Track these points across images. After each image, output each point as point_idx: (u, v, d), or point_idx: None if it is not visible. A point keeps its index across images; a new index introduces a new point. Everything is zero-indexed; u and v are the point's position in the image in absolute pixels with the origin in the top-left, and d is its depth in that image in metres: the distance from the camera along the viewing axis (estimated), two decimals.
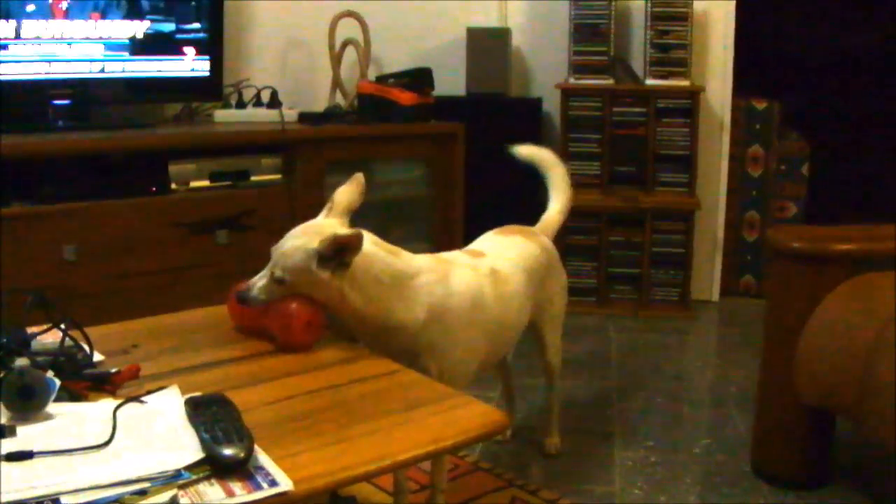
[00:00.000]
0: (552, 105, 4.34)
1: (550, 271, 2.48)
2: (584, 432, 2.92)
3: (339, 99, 4.03)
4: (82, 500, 1.12)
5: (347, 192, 1.96)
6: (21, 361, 1.44)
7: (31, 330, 1.63)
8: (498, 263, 2.20)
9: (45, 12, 3.17)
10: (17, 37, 3.13)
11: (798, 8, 5.03)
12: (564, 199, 2.67)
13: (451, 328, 1.98)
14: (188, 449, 1.24)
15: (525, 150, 2.66)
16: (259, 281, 1.82)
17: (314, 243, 1.78)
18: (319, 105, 4.00)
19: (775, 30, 4.99)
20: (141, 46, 3.39)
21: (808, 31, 5.02)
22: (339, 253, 1.78)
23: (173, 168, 3.16)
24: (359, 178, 1.99)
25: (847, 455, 2.69)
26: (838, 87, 5.00)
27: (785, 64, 4.94)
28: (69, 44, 3.24)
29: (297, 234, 1.85)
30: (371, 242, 1.87)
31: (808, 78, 4.97)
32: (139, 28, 3.38)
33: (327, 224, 1.88)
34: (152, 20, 3.40)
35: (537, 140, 4.14)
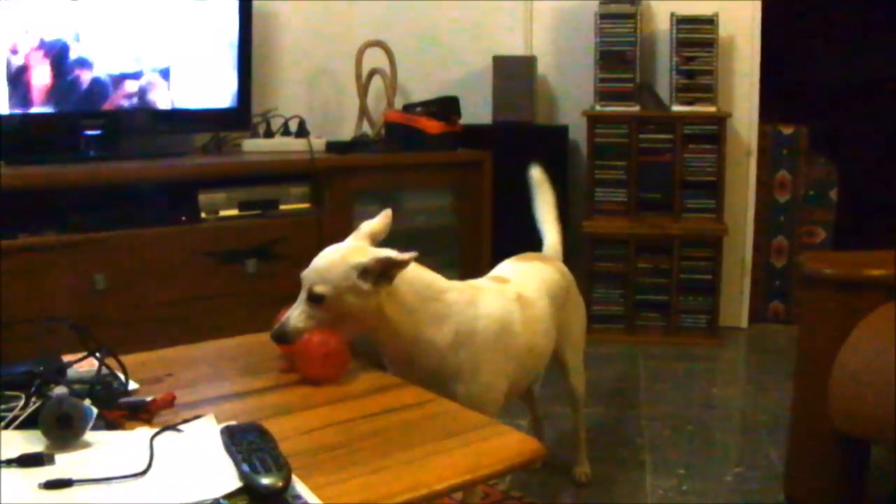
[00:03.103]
0: (578, 132, 4.34)
1: (570, 296, 2.50)
2: (615, 460, 2.90)
3: (367, 128, 4.05)
4: None
5: (373, 224, 1.99)
6: (59, 390, 1.45)
7: (66, 358, 1.64)
8: (523, 289, 2.21)
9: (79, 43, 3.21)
10: (52, 67, 3.17)
11: (824, 32, 5.02)
12: (558, 228, 2.67)
13: (478, 351, 1.99)
14: (226, 478, 1.24)
15: (538, 176, 2.68)
16: (292, 311, 1.82)
17: (356, 257, 1.81)
18: (347, 134, 4.02)
19: (801, 54, 4.98)
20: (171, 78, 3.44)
21: (835, 56, 5.00)
22: (385, 269, 1.81)
23: (203, 197, 3.18)
24: (387, 213, 2.02)
25: (882, 484, 2.66)
26: (866, 110, 4.98)
27: (811, 88, 4.93)
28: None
29: (329, 252, 1.86)
30: None
31: (836, 102, 4.95)
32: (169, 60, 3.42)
33: (359, 245, 1.90)
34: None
35: (564, 168, 4.20)
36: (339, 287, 1.80)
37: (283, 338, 1.79)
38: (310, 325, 1.79)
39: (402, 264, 1.82)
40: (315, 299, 1.80)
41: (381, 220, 2.00)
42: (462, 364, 1.97)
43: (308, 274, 1.83)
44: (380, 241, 1.96)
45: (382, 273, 1.82)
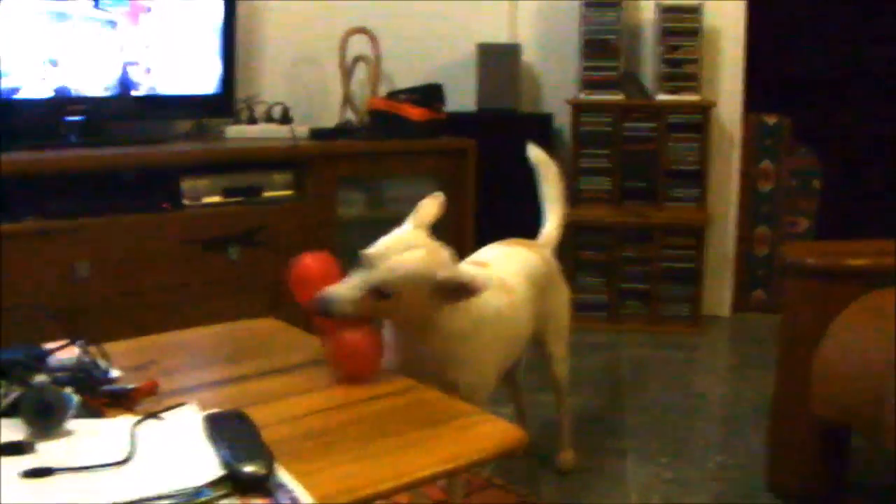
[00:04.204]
0: (563, 121, 4.34)
1: (552, 283, 2.49)
2: (597, 448, 2.91)
3: (350, 115, 4.04)
4: None
5: (430, 206, 1.94)
6: (40, 378, 1.44)
7: (47, 346, 1.63)
8: (503, 273, 2.21)
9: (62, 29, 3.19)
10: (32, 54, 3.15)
11: (808, 23, 5.03)
12: (561, 213, 2.65)
13: (481, 341, 1.99)
14: (208, 466, 1.23)
15: (537, 155, 2.63)
16: (346, 290, 1.70)
17: (438, 271, 1.77)
18: (330, 121, 4.00)
19: (786, 45, 4.99)
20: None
21: (819, 46, 5.02)
22: (456, 291, 1.79)
23: (186, 184, 3.16)
24: (439, 195, 1.97)
25: (862, 471, 2.68)
26: (849, 101, 5.00)
27: (795, 79, 4.94)
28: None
29: (400, 247, 1.79)
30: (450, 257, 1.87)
31: (819, 93, 4.97)
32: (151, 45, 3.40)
33: (438, 247, 1.85)
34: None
35: (548, 156, 4.19)
36: (410, 293, 1.75)
37: (327, 311, 1.67)
38: (357, 311, 1.70)
39: (475, 293, 1.79)
40: (382, 294, 1.72)
41: (434, 201, 1.95)
42: (467, 353, 1.95)
43: (370, 260, 1.74)
44: (434, 223, 1.93)
45: (452, 293, 1.79)
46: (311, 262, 1.78)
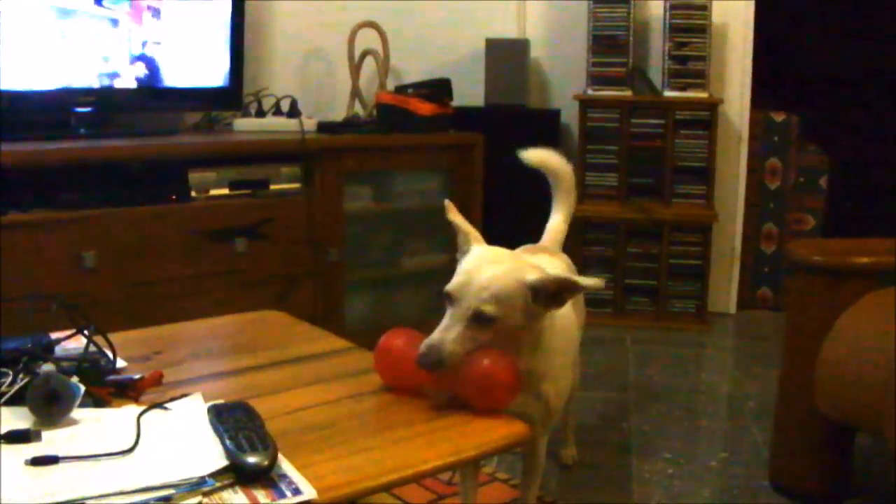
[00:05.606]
0: (570, 116, 4.34)
1: None
2: (601, 444, 2.91)
3: (358, 109, 4.04)
4: None
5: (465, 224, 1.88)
6: (47, 367, 1.45)
7: (54, 335, 1.64)
8: None
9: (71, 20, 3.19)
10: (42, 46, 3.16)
11: (817, 20, 5.02)
12: (569, 207, 2.51)
13: (562, 351, 1.91)
14: (212, 456, 1.24)
15: (535, 156, 2.46)
16: (447, 333, 1.56)
17: (529, 274, 1.62)
18: (338, 115, 4.01)
19: (794, 42, 4.98)
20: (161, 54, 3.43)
21: (827, 43, 5.01)
22: (560, 291, 1.64)
23: (193, 176, 3.17)
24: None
25: (867, 469, 2.68)
26: (857, 99, 4.98)
27: (803, 76, 4.93)
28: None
29: (493, 265, 1.64)
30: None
31: (827, 90, 4.96)
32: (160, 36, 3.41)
33: (522, 258, 1.76)
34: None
35: (556, 151, 4.19)
36: (512, 308, 1.60)
37: (439, 364, 1.52)
38: (469, 349, 1.55)
39: (581, 289, 1.67)
40: (483, 320, 1.57)
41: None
42: (555, 364, 1.85)
43: (470, 290, 1.59)
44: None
45: (555, 294, 1.63)
46: (395, 338, 1.62)
